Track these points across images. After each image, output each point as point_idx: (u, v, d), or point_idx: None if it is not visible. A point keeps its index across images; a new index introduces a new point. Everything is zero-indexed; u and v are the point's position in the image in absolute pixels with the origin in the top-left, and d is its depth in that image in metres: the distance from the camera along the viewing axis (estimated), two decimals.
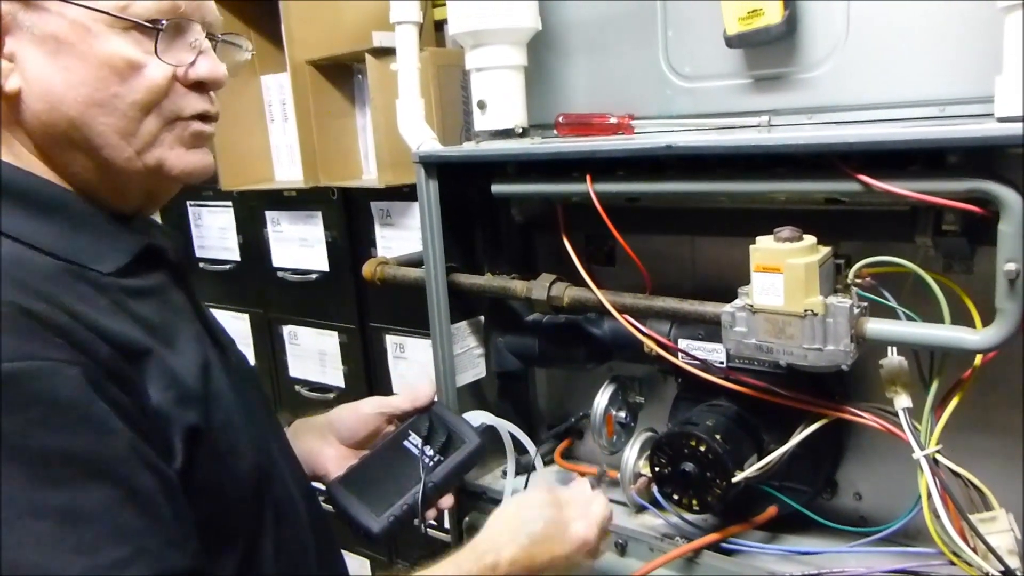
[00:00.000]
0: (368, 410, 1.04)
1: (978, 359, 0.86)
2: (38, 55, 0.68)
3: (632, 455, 1.13)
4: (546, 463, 1.31)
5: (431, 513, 0.99)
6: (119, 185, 0.73)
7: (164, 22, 0.71)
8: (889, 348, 0.90)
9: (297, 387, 1.96)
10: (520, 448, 1.16)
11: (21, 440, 0.56)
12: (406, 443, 1.01)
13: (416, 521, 0.95)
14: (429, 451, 0.99)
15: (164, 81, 0.71)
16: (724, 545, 1.06)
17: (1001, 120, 0.79)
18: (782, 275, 0.87)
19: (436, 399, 1.06)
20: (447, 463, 0.99)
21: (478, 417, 1.09)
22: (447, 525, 1.37)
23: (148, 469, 0.62)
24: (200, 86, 0.74)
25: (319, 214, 1.78)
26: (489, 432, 1.10)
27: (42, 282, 0.64)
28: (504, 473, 1.33)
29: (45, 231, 0.67)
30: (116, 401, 0.62)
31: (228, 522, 0.71)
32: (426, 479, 0.96)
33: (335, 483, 0.98)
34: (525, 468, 1.21)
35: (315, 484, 0.97)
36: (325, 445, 1.02)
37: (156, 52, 0.71)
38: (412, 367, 1.72)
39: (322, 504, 0.90)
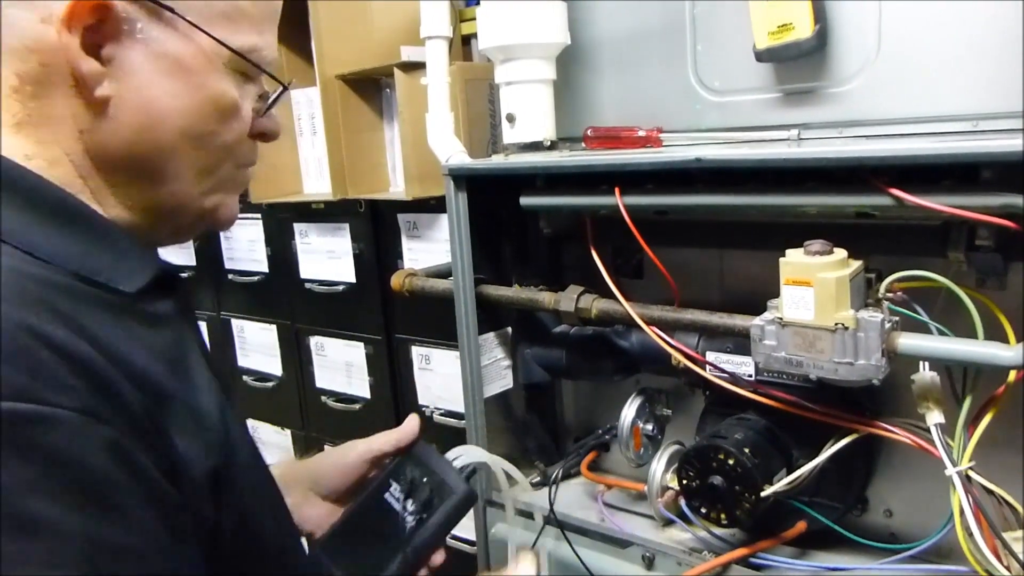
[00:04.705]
0: (352, 460, 0.97)
1: (1012, 375, 0.85)
2: (150, 71, 0.62)
3: (659, 468, 1.13)
4: (573, 475, 1.31)
5: (422, 573, 0.92)
6: (163, 220, 0.69)
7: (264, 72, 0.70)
8: (921, 363, 0.89)
9: (324, 398, 1.98)
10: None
11: (15, 498, 0.47)
12: (387, 497, 0.93)
13: None
14: (411, 506, 0.91)
15: (248, 128, 0.70)
16: (753, 560, 1.05)
17: None
18: (812, 288, 0.87)
19: (420, 435, 0.98)
20: (431, 522, 0.90)
21: (466, 455, 0.98)
22: (473, 537, 1.37)
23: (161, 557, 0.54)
24: (260, 137, 0.73)
25: (347, 226, 1.80)
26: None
27: (61, 299, 0.55)
28: (531, 484, 1.33)
29: (60, 241, 0.59)
30: (141, 470, 0.53)
31: None
32: (407, 549, 0.88)
33: (317, 550, 0.92)
34: (553, 480, 1.21)
35: None
36: (307, 504, 0.95)
37: (262, 101, 0.71)
38: (437, 378, 1.72)
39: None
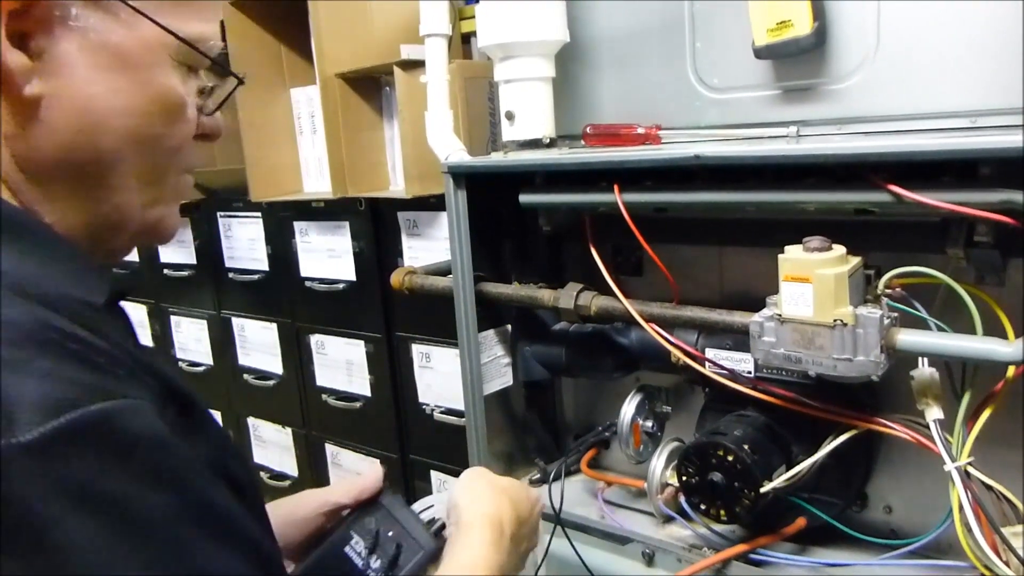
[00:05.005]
0: (306, 513, 0.88)
1: (1011, 371, 0.85)
2: (87, 66, 0.54)
3: (659, 465, 1.13)
4: (573, 473, 1.31)
5: None
6: (103, 238, 0.61)
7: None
8: (920, 359, 0.90)
9: (324, 396, 1.98)
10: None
11: (124, 507, 0.46)
12: (348, 551, 0.84)
13: None
14: (375, 563, 0.83)
15: (194, 129, 0.62)
16: (752, 556, 1.05)
17: None
18: (811, 285, 0.87)
19: (384, 486, 0.89)
20: None
21: (434, 507, 0.89)
22: None
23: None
24: (202, 137, 0.65)
25: (347, 224, 1.80)
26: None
27: (59, 309, 0.50)
28: (530, 482, 1.33)
29: (26, 257, 0.53)
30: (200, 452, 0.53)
31: None
32: None
33: None
34: (554, 477, 1.21)
35: None
36: None
37: (203, 97, 0.63)
38: (438, 376, 1.73)
39: None
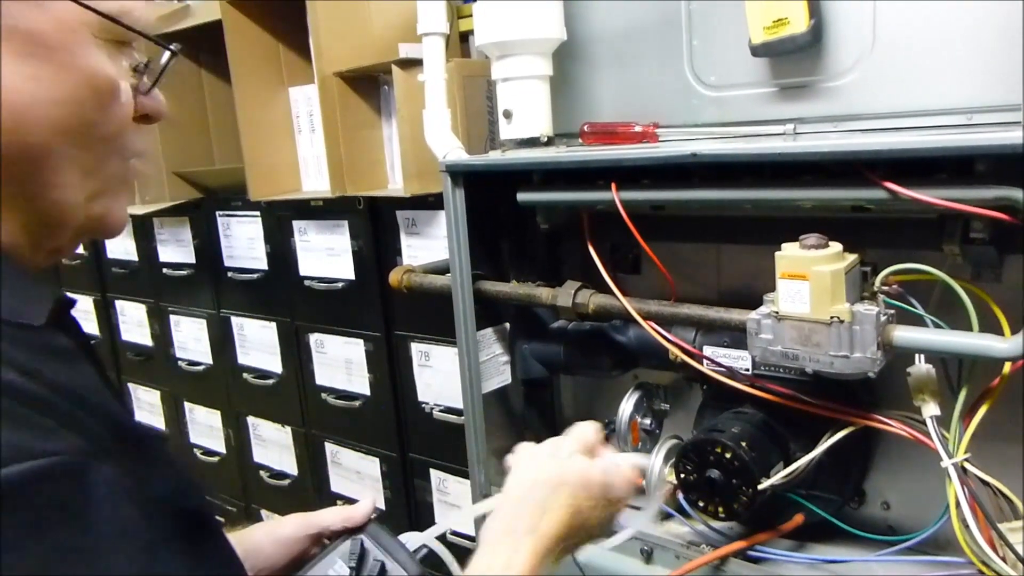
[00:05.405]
0: (289, 533, 0.86)
1: (1007, 367, 0.85)
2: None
3: (657, 462, 1.13)
4: None
5: None
6: (44, 238, 0.56)
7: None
8: (917, 356, 0.90)
9: (324, 395, 1.98)
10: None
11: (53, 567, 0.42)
12: (332, 575, 0.84)
13: None
14: None
15: (131, 111, 0.58)
16: (750, 553, 1.05)
17: None
18: (808, 282, 0.88)
19: (373, 517, 0.89)
20: None
21: (418, 539, 0.89)
22: (474, 534, 1.37)
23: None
24: (144, 119, 0.61)
25: (345, 223, 1.80)
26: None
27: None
28: None
29: None
30: (140, 500, 0.49)
31: None
32: None
33: None
34: None
35: None
36: None
37: (138, 75, 0.58)
38: (437, 375, 1.73)
39: None
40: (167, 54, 0.61)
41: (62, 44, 0.52)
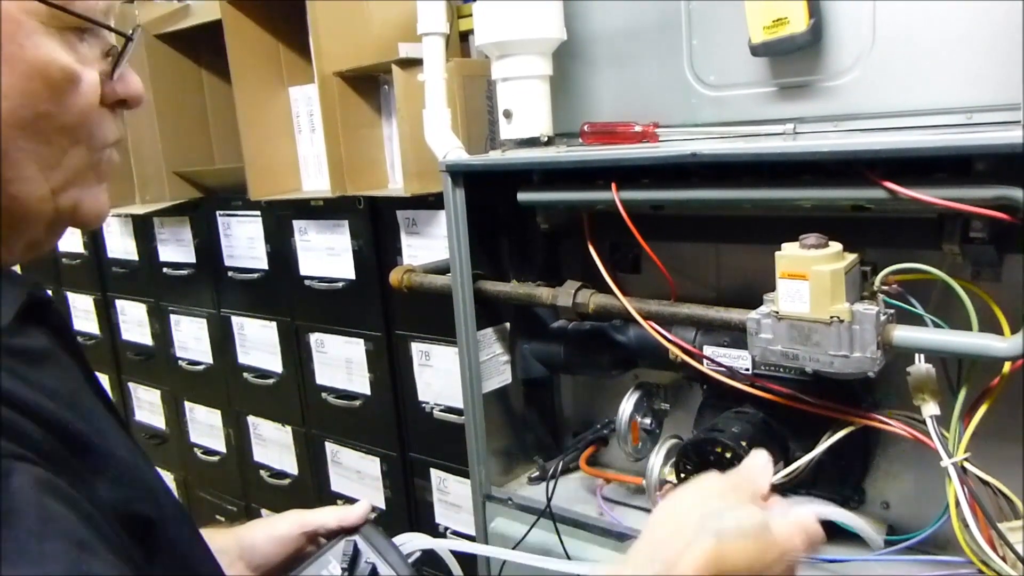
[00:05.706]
0: (285, 531, 0.87)
1: (1006, 367, 0.85)
2: None
3: (657, 462, 1.13)
4: (572, 470, 1.32)
5: None
6: (12, 234, 0.56)
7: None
8: (917, 355, 0.90)
9: (324, 394, 1.98)
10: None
11: None
12: (325, 575, 0.84)
13: None
14: None
15: (96, 99, 0.56)
16: None
17: None
18: (808, 282, 0.88)
19: (370, 519, 0.89)
20: None
21: (413, 541, 0.90)
22: (473, 532, 1.38)
23: None
24: (120, 105, 0.60)
25: (346, 223, 1.80)
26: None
27: None
28: (529, 479, 1.34)
29: None
30: (73, 501, 0.48)
31: None
32: None
33: None
34: (552, 475, 1.21)
35: None
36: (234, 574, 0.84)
37: (109, 60, 0.57)
38: (438, 374, 1.73)
39: None
40: (126, 40, 0.59)
41: (6, 36, 0.50)
